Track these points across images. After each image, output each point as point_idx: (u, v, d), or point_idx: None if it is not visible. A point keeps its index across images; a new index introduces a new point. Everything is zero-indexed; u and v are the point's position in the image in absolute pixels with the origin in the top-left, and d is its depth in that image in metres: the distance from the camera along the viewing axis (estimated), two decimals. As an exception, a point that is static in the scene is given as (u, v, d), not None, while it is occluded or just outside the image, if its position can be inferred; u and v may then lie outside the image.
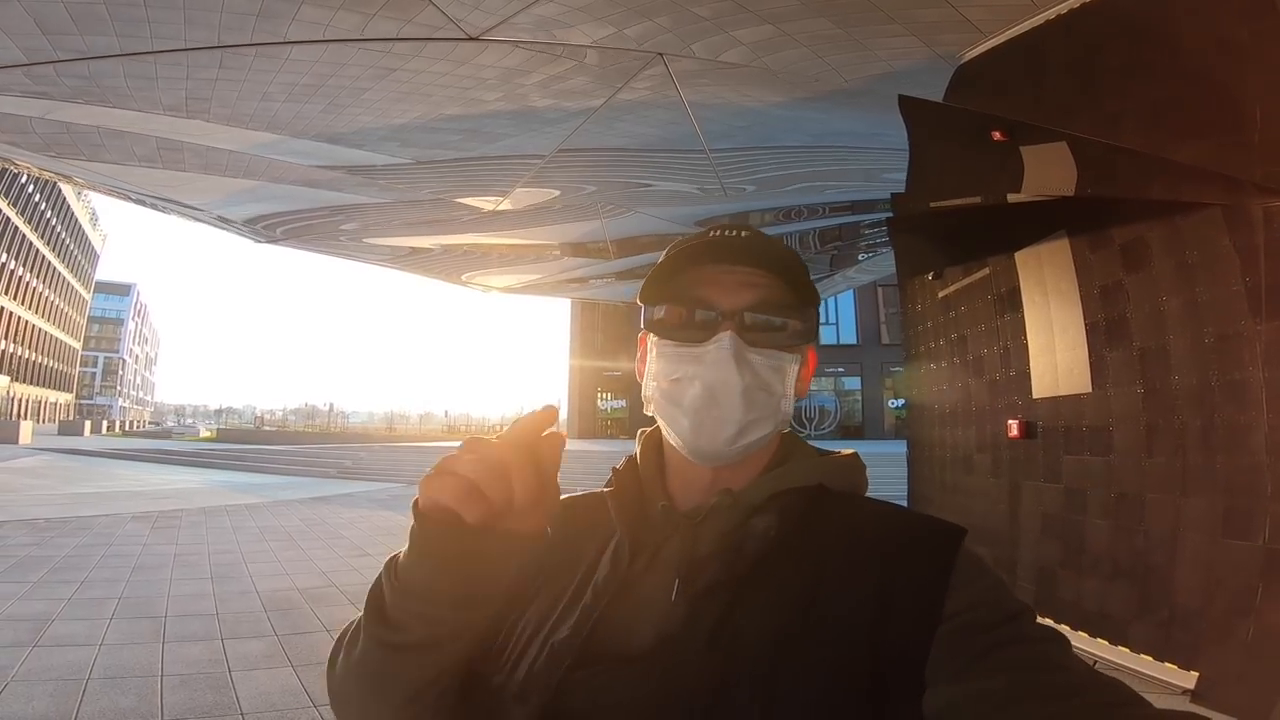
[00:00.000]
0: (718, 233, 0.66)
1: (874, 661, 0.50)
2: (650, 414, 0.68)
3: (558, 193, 5.86)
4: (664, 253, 0.66)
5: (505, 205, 6.00)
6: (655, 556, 0.62)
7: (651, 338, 0.67)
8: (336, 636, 0.63)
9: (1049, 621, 0.56)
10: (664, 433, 0.67)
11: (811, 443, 0.70)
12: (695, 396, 0.62)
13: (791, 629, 0.52)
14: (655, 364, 0.66)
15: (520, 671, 0.58)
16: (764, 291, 0.64)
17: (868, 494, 0.67)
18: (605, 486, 0.69)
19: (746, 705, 0.50)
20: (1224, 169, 2.72)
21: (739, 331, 0.62)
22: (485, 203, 6.02)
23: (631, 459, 0.72)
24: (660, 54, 3.29)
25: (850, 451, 0.68)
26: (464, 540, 0.52)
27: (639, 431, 0.73)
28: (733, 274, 0.64)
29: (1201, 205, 3.00)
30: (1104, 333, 3.60)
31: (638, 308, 0.70)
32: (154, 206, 6.82)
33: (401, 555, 0.56)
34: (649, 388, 0.67)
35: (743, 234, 0.65)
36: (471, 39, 3.14)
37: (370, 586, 0.58)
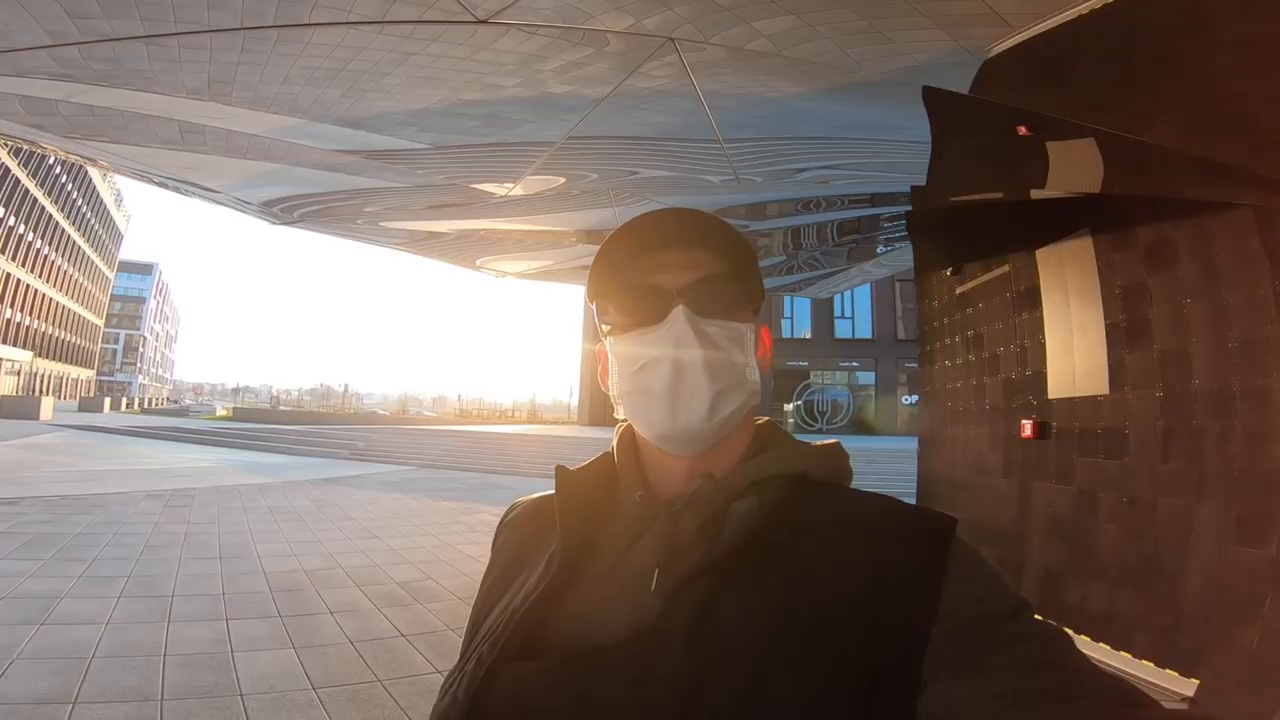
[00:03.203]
0: (650, 219, 0.65)
1: (866, 659, 0.48)
2: (620, 416, 0.68)
3: (566, 180, 5.85)
4: (599, 250, 0.65)
5: (517, 191, 6.00)
6: (631, 548, 0.61)
7: (608, 342, 0.66)
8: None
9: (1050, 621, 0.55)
10: (638, 430, 0.66)
11: (820, 438, 0.68)
12: (663, 376, 0.61)
13: (777, 624, 0.51)
14: (617, 361, 0.65)
15: (465, 674, 0.58)
16: (705, 266, 0.63)
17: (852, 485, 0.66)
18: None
19: (729, 704, 0.48)
20: (1259, 169, 2.64)
21: (690, 306, 0.61)
22: (498, 188, 6.03)
23: (607, 454, 0.71)
24: (671, 38, 3.25)
25: (833, 441, 0.67)
26: None
27: (616, 426, 0.72)
28: (674, 255, 0.64)
29: (1232, 205, 2.92)
30: (1124, 334, 3.53)
31: None
32: (175, 189, 6.89)
33: None
34: (615, 387, 0.66)
35: (672, 215, 0.65)
36: (486, 23, 3.13)
37: None
